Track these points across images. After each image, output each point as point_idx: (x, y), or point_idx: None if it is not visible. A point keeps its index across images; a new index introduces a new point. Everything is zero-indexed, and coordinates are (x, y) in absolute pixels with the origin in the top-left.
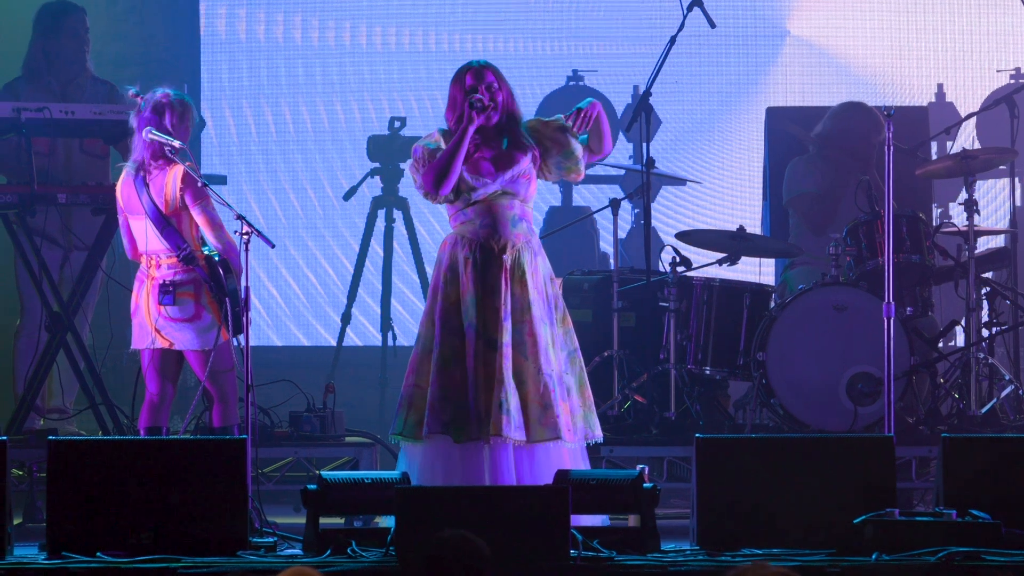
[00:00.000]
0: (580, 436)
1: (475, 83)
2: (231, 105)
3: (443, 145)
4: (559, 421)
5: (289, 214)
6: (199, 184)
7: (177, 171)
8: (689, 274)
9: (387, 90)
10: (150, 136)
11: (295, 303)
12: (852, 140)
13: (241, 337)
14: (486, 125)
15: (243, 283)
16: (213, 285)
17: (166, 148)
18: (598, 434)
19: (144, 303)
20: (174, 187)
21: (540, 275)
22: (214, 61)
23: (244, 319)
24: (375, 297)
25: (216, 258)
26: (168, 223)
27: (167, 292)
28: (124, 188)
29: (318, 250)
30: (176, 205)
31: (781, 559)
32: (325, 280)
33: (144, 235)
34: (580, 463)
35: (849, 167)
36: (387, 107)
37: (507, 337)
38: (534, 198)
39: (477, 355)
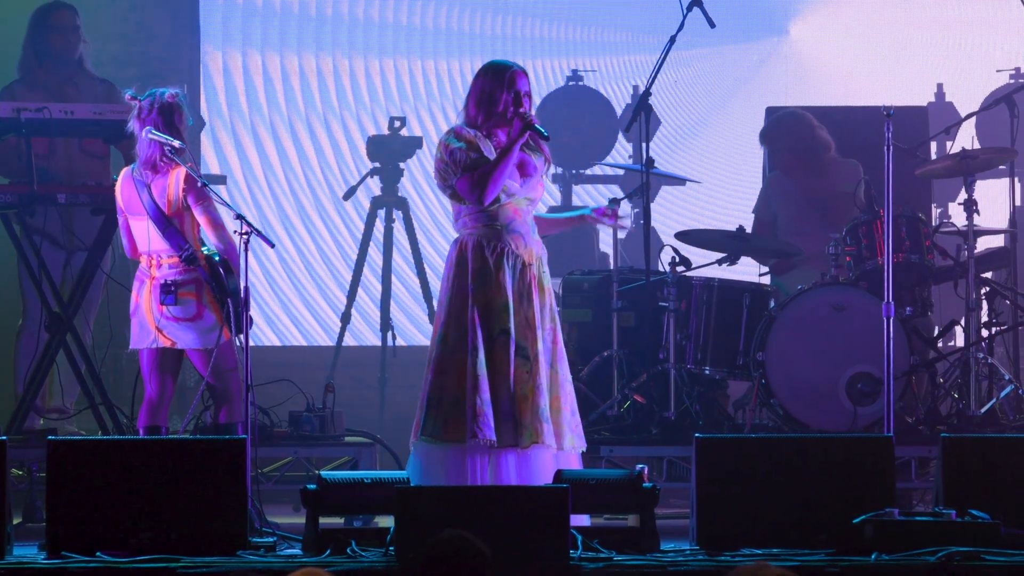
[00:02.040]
0: None
1: (518, 90)
2: (232, 104)
3: (480, 144)
4: (579, 428)
5: (288, 214)
6: (199, 184)
7: (180, 172)
8: (688, 274)
9: (386, 93)
10: (150, 136)
11: (294, 303)
12: (788, 149)
13: (242, 336)
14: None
15: (243, 283)
16: (215, 285)
17: (166, 148)
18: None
19: (145, 302)
20: (177, 188)
21: (550, 281)
22: (215, 60)
23: (244, 318)
24: (375, 297)
25: (216, 258)
26: (170, 223)
27: (169, 292)
28: (124, 188)
29: (317, 250)
30: (179, 206)
31: (780, 559)
32: (325, 280)
33: (145, 235)
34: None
35: (803, 176)
36: (385, 111)
37: (540, 346)
38: None
39: (513, 362)
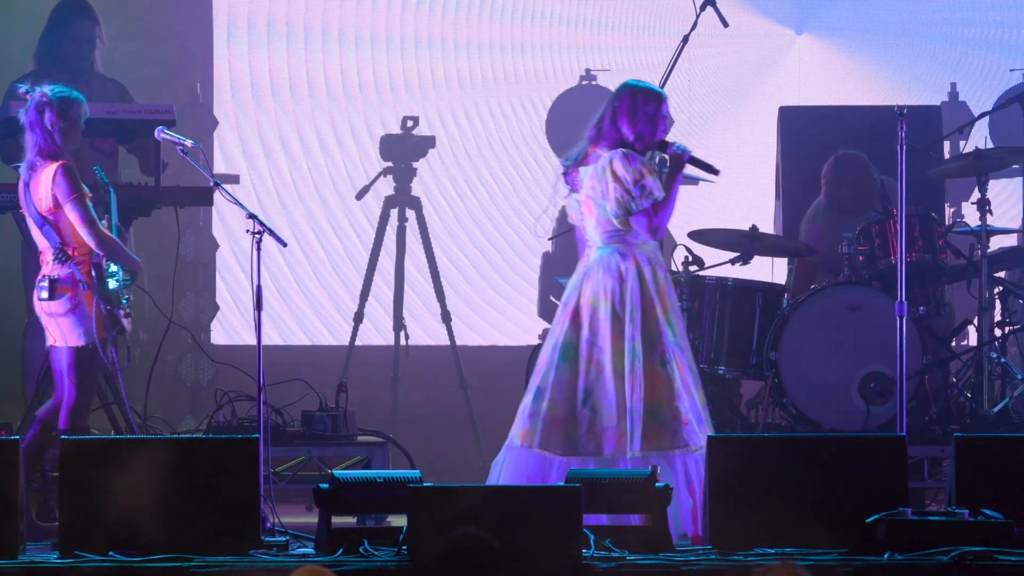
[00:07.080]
0: None
1: (668, 116)
2: (246, 103)
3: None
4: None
5: (301, 213)
6: (73, 184)
7: (50, 170)
8: (702, 273)
9: (398, 93)
10: (163, 136)
11: (308, 302)
12: (851, 190)
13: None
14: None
15: (255, 282)
16: (88, 284)
17: (179, 148)
18: None
19: (36, 301)
20: (46, 186)
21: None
22: (228, 60)
23: (256, 318)
24: (387, 296)
25: (94, 258)
26: (45, 221)
27: (44, 287)
28: (21, 189)
29: (331, 249)
30: (50, 203)
31: (793, 558)
32: (337, 279)
33: (35, 234)
34: None
35: (853, 212)
36: (397, 110)
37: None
38: None
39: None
